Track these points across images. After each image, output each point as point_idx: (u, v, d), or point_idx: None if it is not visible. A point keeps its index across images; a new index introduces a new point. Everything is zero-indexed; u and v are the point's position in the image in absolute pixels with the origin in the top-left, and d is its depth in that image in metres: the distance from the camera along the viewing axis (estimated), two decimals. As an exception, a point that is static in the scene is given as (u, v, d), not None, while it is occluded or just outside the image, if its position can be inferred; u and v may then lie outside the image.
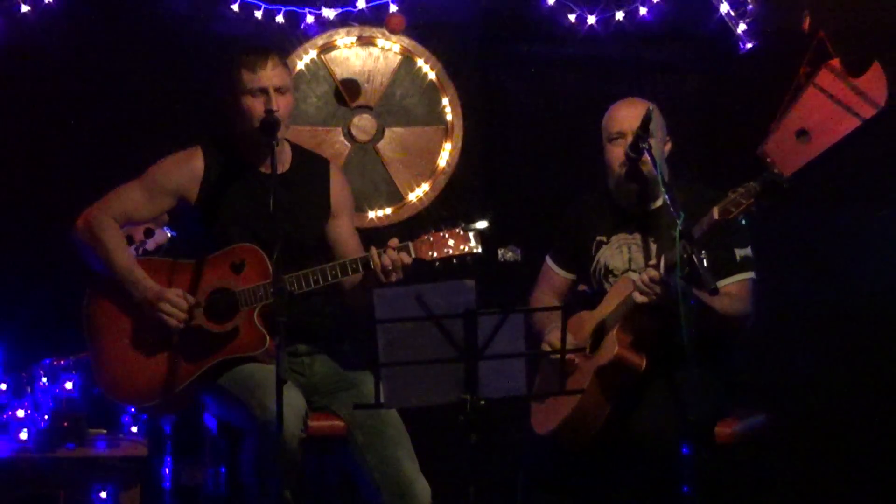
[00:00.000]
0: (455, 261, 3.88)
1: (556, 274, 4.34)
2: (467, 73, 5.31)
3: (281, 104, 3.98)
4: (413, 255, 3.87)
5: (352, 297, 4.06)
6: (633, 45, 5.30)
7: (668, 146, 4.18)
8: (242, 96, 4.00)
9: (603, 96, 4.30)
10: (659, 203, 4.10)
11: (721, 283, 3.89)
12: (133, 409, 4.76)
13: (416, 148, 5.30)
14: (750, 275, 4.06)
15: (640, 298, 3.84)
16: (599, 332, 4.03)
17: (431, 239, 3.88)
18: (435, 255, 3.87)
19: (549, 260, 4.36)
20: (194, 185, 4.06)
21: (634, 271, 4.04)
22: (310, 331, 4.07)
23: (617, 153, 4.09)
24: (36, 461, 4.57)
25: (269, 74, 3.98)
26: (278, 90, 3.99)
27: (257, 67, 3.98)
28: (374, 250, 3.87)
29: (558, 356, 3.64)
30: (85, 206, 4.07)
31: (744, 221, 3.70)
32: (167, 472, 4.75)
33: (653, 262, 3.88)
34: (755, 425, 4.13)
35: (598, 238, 4.20)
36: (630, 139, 4.02)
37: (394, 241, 3.89)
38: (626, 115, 4.10)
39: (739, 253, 4.03)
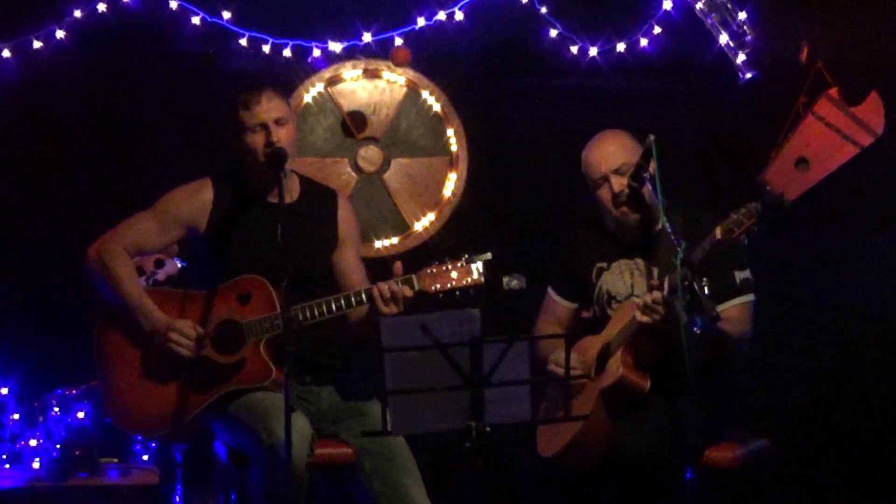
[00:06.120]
0: (458, 293, 3.89)
1: (558, 304, 4.36)
2: (472, 105, 5.36)
3: (281, 135, 4.00)
4: (416, 288, 3.89)
5: (356, 329, 4.07)
6: (634, 75, 5.35)
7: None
8: (244, 135, 4.02)
9: (604, 126, 4.32)
10: (659, 227, 4.11)
11: (722, 307, 3.93)
12: (140, 438, 4.80)
13: (422, 178, 5.35)
14: (750, 297, 4.08)
15: (641, 318, 3.85)
16: (604, 356, 4.06)
17: (434, 271, 3.90)
18: (438, 287, 3.89)
19: (550, 291, 4.38)
20: (204, 216, 4.09)
21: (637, 296, 4.05)
22: (317, 362, 4.07)
23: (606, 195, 4.13)
24: (48, 490, 4.59)
25: (266, 108, 4.00)
26: (277, 122, 4.01)
27: (252, 104, 4.01)
28: (379, 284, 3.89)
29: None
30: (96, 237, 4.10)
31: (746, 241, 3.71)
32: (178, 499, 4.75)
33: (655, 282, 3.89)
34: (756, 450, 4.15)
35: (599, 265, 4.22)
36: (613, 177, 4.08)
37: (398, 266, 3.92)
38: (603, 157, 4.14)
39: (739, 276, 4.05)
